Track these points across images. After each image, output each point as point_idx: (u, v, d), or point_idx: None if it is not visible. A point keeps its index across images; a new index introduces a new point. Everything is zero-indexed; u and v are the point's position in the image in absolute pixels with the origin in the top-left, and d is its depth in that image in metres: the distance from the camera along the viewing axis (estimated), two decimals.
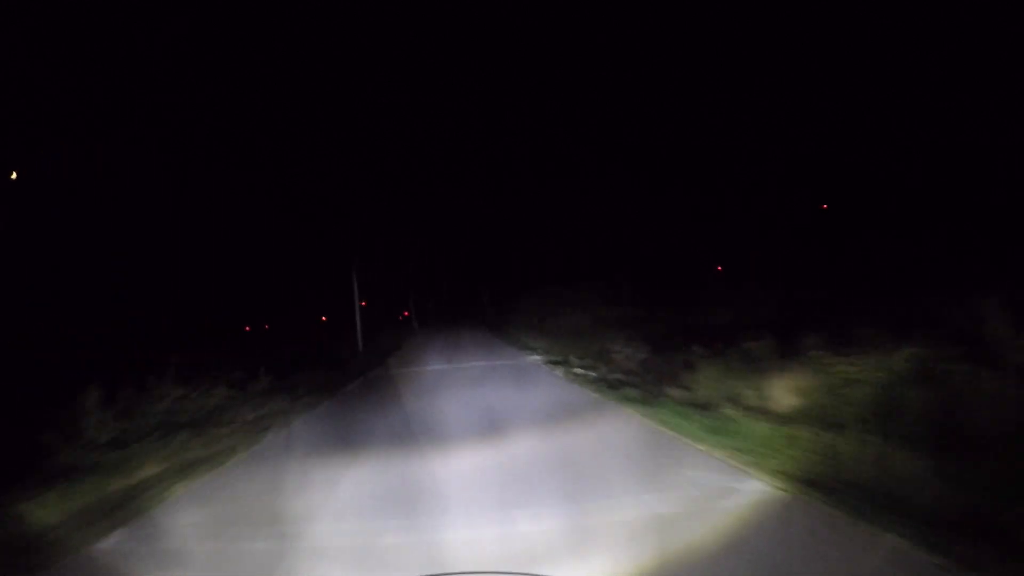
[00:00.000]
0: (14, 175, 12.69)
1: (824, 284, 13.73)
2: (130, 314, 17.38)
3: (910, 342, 4.22)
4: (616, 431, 5.50)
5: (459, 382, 9.91)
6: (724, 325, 10.23)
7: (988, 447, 3.05)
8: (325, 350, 14.96)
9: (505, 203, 34.84)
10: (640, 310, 15.64)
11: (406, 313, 38.95)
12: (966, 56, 14.66)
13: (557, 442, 5.17)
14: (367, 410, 7.88)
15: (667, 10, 22.78)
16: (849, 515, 2.97)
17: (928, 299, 7.11)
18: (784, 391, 5.01)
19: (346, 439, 5.96)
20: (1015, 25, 13.45)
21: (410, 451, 5.25)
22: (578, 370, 9.81)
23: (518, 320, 21.73)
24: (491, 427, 5.92)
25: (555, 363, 11.30)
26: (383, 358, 14.93)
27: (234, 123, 20.27)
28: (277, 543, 3.26)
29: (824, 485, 3.36)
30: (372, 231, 22.87)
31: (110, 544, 3.53)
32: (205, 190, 19.71)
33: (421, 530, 3.30)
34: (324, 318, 30.25)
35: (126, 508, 4.16)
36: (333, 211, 17.85)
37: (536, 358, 12.60)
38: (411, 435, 5.95)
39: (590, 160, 27.62)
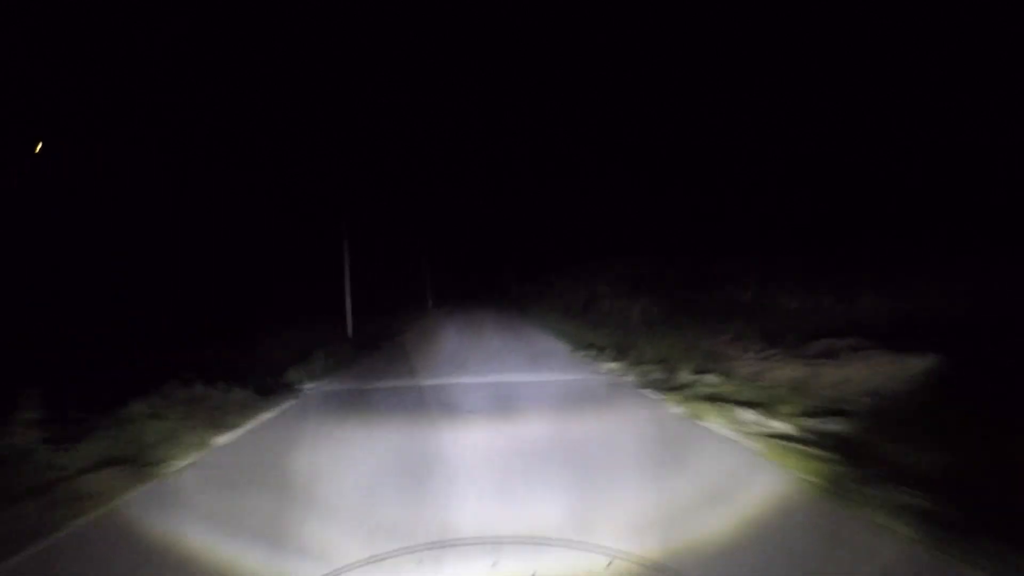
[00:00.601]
0: (39, 147, 12.58)
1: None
2: (130, 313, 17.37)
3: None
4: None
5: (483, 447, 4.57)
6: (929, 316, 6.67)
7: None
8: (306, 338, 12.63)
9: (513, 194, 34.82)
10: (705, 295, 13.05)
11: (420, 293, 37.62)
12: (966, 56, 14.67)
13: None
14: None
15: (667, 10, 22.80)
16: None
17: None
18: None
19: None
20: (1015, 25, 13.45)
21: None
22: (747, 414, 4.88)
23: (552, 304, 18.86)
24: None
25: (664, 387, 6.35)
26: (369, 351, 12.54)
27: (234, 122, 20.27)
28: None
29: None
30: (374, 220, 22.58)
31: None
32: (204, 189, 19.71)
33: None
34: (327, 303, 29.85)
35: None
36: (335, 210, 17.83)
37: (611, 366, 8.29)
38: None
39: (590, 159, 27.69)
